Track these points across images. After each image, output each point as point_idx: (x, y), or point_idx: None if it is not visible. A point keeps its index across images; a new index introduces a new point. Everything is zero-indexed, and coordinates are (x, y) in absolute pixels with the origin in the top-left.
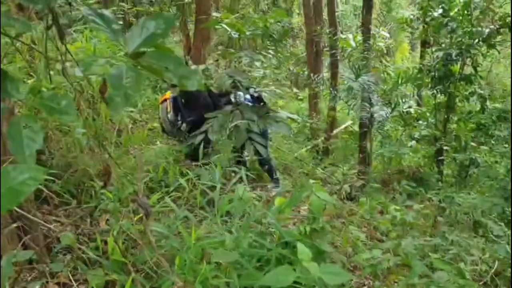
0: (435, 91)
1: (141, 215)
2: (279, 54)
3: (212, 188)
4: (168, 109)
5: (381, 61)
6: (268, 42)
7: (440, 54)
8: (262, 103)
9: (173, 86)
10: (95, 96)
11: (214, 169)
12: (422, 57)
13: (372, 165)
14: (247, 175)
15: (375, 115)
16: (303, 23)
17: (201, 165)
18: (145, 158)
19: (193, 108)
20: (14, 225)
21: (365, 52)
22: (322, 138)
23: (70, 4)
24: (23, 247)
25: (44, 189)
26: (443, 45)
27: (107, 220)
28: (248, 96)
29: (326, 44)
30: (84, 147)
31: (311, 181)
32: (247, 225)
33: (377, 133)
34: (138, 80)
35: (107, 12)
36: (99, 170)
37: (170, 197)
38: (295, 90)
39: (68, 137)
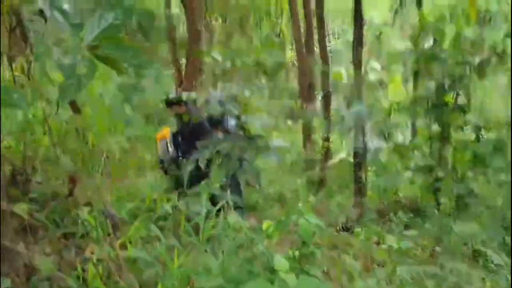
0: (428, 121)
1: (122, 239)
2: (272, 87)
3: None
4: (169, 147)
5: (374, 94)
6: (261, 76)
7: (433, 84)
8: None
9: (178, 117)
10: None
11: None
12: (415, 87)
13: (367, 195)
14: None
15: (369, 144)
16: (296, 58)
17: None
18: (133, 187)
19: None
20: None
21: (357, 83)
22: (317, 169)
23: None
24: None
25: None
26: (435, 76)
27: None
28: (233, 123)
29: (318, 77)
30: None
31: (300, 205)
32: (233, 249)
33: (372, 163)
34: (92, 70)
35: (66, 7)
36: (88, 198)
37: (156, 224)
38: (289, 122)
39: (55, 166)
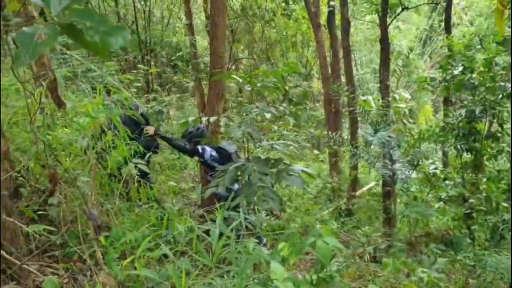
0: (460, 149)
1: (129, 259)
2: (297, 112)
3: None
4: None
5: (403, 123)
6: (286, 105)
7: (463, 111)
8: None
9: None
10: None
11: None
12: (445, 115)
13: (397, 227)
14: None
15: (398, 172)
16: (322, 86)
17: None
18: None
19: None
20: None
21: (385, 109)
22: (345, 199)
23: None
24: None
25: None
26: (465, 103)
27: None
28: (214, 154)
29: (344, 104)
30: (88, 198)
31: (318, 225)
32: (245, 271)
33: (402, 194)
34: (52, 36)
35: None
36: (103, 222)
37: (169, 247)
38: (315, 152)
39: (73, 188)
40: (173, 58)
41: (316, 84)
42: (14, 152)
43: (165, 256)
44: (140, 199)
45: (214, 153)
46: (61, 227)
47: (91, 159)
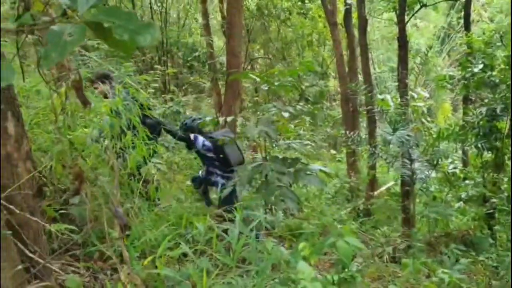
0: (481, 148)
1: (149, 258)
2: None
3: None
4: None
5: (422, 122)
6: (303, 104)
7: (484, 110)
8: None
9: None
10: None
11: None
12: (464, 114)
13: (416, 227)
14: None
15: (417, 171)
16: (339, 85)
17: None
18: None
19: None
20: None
21: (403, 108)
22: (363, 199)
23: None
24: None
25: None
26: (486, 101)
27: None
28: (207, 143)
29: (362, 103)
30: (109, 198)
31: (339, 226)
32: (266, 271)
33: (421, 193)
34: (80, 34)
35: None
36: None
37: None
38: (332, 151)
39: (94, 188)
40: (189, 58)
41: (332, 83)
42: (35, 152)
43: (184, 255)
44: (159, 199)
45: (206, 142)
46: (82, 226)
47: (111, 159)
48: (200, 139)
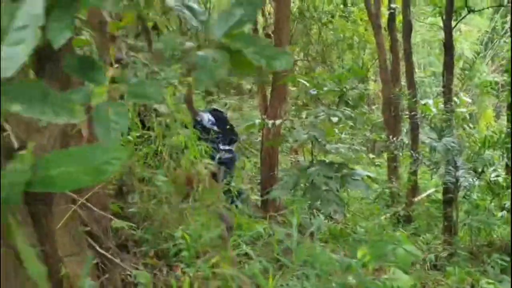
0: None
1: (216, 257)
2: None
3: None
4: None
5: (463, 128)
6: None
7: None
8: (228, 126)
9: None
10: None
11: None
12: (508, 120)
13: (458, 235)
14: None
15: (461, 179)
16: (380, 89)
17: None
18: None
19: None
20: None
21: (448, 114)
22: (403, 205)
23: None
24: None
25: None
26: None
27: (182, 268)
28: (211, 117)
29: (404, 108)
30: (163, 197)
31: (397, 233)
32: (326, 276)
33: (463, 201)
34: (223, 61)
35: (195, 5)
36: (177, 220)
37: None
38: (371, 156)
39: (149, 187)
40: None
41: (372, 87)
42: None
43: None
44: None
45: (211, 117)
46: (137, 224)
47: (166, 158)
48: (205, 115)
